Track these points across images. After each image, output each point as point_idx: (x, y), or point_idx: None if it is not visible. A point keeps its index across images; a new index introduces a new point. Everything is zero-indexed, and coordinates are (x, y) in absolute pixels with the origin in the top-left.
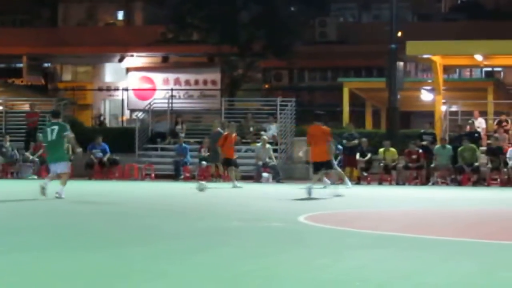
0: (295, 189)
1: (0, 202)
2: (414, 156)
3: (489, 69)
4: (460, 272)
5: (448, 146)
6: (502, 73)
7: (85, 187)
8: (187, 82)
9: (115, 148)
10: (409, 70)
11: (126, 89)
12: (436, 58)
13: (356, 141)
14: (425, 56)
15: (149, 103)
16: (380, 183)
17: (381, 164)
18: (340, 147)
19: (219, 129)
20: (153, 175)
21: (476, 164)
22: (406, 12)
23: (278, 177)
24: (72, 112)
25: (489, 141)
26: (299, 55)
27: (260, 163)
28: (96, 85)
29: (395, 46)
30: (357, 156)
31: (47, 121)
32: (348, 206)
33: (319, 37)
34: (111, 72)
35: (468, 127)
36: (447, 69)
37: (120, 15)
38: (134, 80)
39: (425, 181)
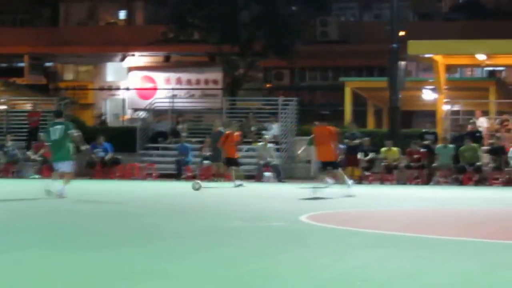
0: (297, 189)
1: (1, 201)
2: (415, 156)
3: (491, 68)
4: (462, 271)
5: (450, 146)
6: (503, 73)
7: (86, 186)
8: (188, 82)
9: (117, 147)
10: (410, 69)
11: (127, 89)
12: (438, 58)
13: (358, 141)
14: (426, 55)
15: (151, 103)
16: (381, 183)
17: (383, 164)
18: (341, 146)
19: (220, 128)
20: (154, 174)
21: (478, 163)
22: (406, 12)
23: (280, 176)
24: (73, 111)
25: (491, 141)
26: (300, 55)
27: (262, 162)
28: (97, 85)
29: (397, 46)
30: (359, 155)
31: (48, 120)
32: (350, 205)
33: (320, 37)
34: (112, 71)
35: (469, 127)
36: (448, 68)
37: (121, 14)
38: (135, 80)
39: (426, 181)
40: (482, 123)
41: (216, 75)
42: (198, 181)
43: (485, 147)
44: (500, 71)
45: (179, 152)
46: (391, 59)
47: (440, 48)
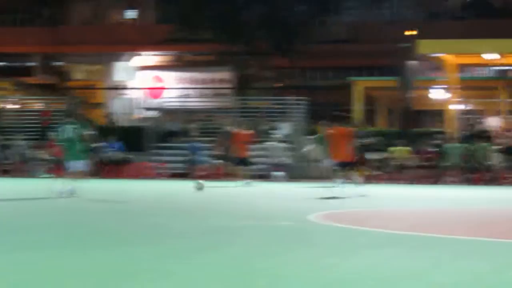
0: (306, 188)
1: (12, 200)
2: (426, 155)
3: (500, 68)
4: (471, 271)
5: (460, 145)
6: None
7: (97, 185)
8: (198, 81)
9: (127, 146)
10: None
11: (137, 88)
12: (448, 57)
13: (368, 140)
14: (436, 55)
15: (160, 102)
16: (392, 182)
17: (393, 163)
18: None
19: (229, 127)
20: (165, 173)
21: (488, 163)
22: (414, 11)
23: (288, 175)
24: (84, 111)
25: (501, 140)
26: (310, 54)
27: (272, 161)
28: (106, 84)
29: (406, 45)
30: (369, 155)
31: (59, 119)
32: (359, 205)
33: (329, 36)
34: (121, 70)
35: (480, 126)
36: (458, 67)
37: (130, 14)
38: (145, 79)
39: (436, 180)
40: (493, 122)
41: (225, 74)
42: (201, 181)
43: (496, 147)
44: (511, 70)
45: (189, 151)
46: (400, 59)
47: (451, 47)
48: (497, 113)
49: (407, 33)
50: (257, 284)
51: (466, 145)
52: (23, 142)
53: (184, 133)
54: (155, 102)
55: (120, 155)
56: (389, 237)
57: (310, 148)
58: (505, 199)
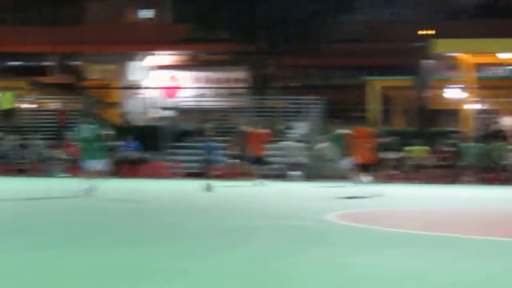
0: (323, 188)
1: (29, 199)
2: (442, 155)
3: None
4: (485, 270)
5: (476, 145)
6: None
7: (113, 185)
8: (213, 80)
9: (143, 146)
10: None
11: (152, 87)
12: (465, 56)
13: (385, 139)
14: (453, 54)
15: (176, 101)
16: (408, 182)
17: (410, 163)
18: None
19: (245, 127)
20: (180, 173)
21: (504, 162)
22: (433, 11)
23: (305, 175)
24: (99, 110)
25: None
26: (327, 53)
27: (288, 161)
28: (121, 83)
29: (422, 44)
30: (387, 154)
31: (76, 119)
32: (376, 204)
33: (344, 35)
34: (136, 70)
35: (495, 126)
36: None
37: (146, 13)
38: (160, 78)
39: (453, 180)
40: (509, 121)
41: (241, 73)
42: (210, 182)
43: None
44: None
45: (205, 151)
46: (417, 58)
47: (467, 47)
48: None
49: (423, 32)
50: (272, 284)
51: (481, 144)
52: (40, 142)
53: (200, 132)
54: (171, 102)
55: (136, 154)
56: (404, 237)
57: (323, 146)
58: None
